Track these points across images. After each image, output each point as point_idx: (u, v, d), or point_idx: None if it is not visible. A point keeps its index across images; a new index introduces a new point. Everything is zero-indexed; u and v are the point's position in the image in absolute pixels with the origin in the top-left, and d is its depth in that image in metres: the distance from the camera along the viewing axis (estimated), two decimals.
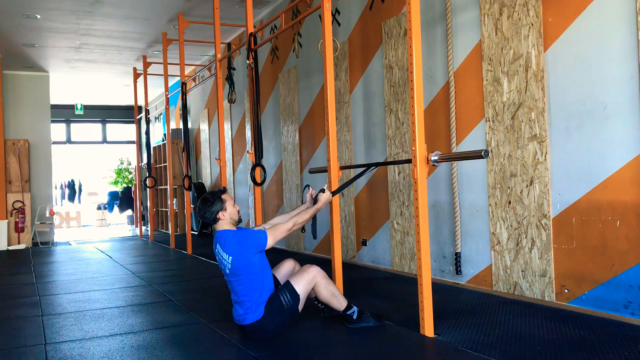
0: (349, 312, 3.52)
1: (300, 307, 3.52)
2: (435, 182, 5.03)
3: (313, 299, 3.75)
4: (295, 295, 3.46)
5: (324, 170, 4.29)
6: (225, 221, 3.58)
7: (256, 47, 5.53)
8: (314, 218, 3.88)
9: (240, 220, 3.68)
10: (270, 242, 3.50)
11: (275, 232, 3.54)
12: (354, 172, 5.92)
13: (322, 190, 3.84)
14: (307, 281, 3.49)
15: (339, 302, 3.53)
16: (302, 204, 3.99)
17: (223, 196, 3.60)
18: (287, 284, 3.51)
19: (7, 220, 9.96)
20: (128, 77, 12.48)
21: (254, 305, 3.45)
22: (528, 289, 4.13)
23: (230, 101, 6.51)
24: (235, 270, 3.47)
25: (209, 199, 3.58)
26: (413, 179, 3.32)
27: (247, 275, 3.46)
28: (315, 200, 3.84)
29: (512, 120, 4.24)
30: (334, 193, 3.96)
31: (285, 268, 3.83)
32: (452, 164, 4.82)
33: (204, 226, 11.15)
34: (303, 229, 3.98)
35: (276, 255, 3.99)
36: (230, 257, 3.48)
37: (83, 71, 12.04)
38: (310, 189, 3.97)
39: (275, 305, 3.46)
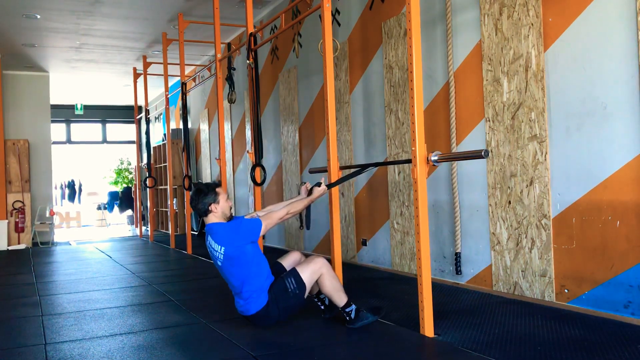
0: (347, 310, 3.51)
1: (305, 295, 3.52)
2: (435, 182, 5.03)
3: (314, 295, 3.76)
4: (300, 282, 3.47)
5: (324, 170, 4.29)
6: (216, 214, 3.60)
7: (256, 47, 5.53)
8: (308, 209, 3.88)
9: (231, 217, 3.67)
10: (263, 230, 3.51)
11: (268, 220, 3.56)
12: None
13: (318, 184, 3.84)
14: (313, 271, 3.50)
15: (340, 298, 3.52)
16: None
17: (217, 189, 3.62)
18: (293, 271, 3.52)
19: (7, 220, 9.96)
20: (128, 77, 12.48)
21: (255, 293, 3.47)
22: (528, 289, 4.13)
23: (230, 101, 6.51)
24: (229, 261, 3.48)
25: (202, 190, 3.59)
26: (413, 179, 3.32)
27: (242, 265, 3.47)
28: (310, 193, 3.84)
29: (512, 120, 4.24)
30: (330, 186, 3.97)
31: (292, 258, 3.85)
32: (452, 164, 4.82)
33: (204, 226, 11.14)
34: (301, 225, 4.00)
35: (277, 255, 3.99)
36: (223, 248, 3.49)
37: (83, 71, 12.04)
38: (307, 183, 3.97)
39: (280, 290, 3.47)
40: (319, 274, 3.50)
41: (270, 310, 3.48)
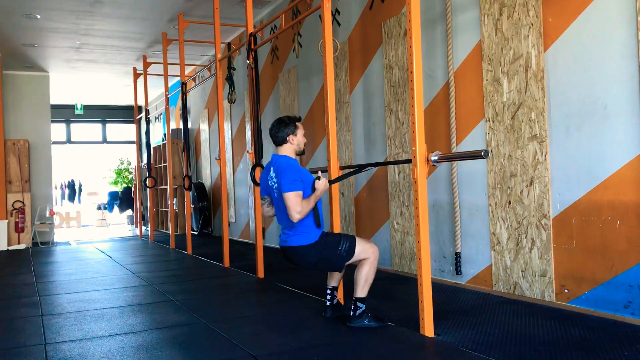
0: (358, 304, 3.55)
1: (346, 263, 3.60)
2: (435, 182, 5.03)
3: (330, 286, 3.83)
4: (352, 249, 3.56)
5: (324, 170, 4.29)
6: (291, 146, 3.71)
7: (256, 47, 5.53)
8: (314, 207, 3.86)
9: (303, 153, 3.79)
10: (292, 202, 3.44)
11: (297, 205, 3.45)
12: None
13: (318, 178, 3.81)
14: (365, 249, 3.58)
15: (363, 290, 3.56)
16: None
17: (297, 123, 3.74)
18: (352, 237, 3.63)
19: (7, 220, 9.96)
20: (128, 77, 12.48)
21: (307, 229, 3.56)
22: (528, 289, 4.13)
23: (230, 101, 6.51)
24: (282, 195, 3.54)
25: (285, 121, 3.73)
26: (413, 179, 3.32)
27: None
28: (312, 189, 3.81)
29: (512, 120, 4.24)
30: (332, 182, 3.97)
31: None
32: (452, 164, 4.82)
33: (204, 226, 11.15)
34: None
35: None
36: (278, 182, 3.58)
37: (83, 71, 12.04)
38: None
39: (333, 242, 3.57)
40: (366, 257, 3.56)
41: (312, 252, 3.56)
